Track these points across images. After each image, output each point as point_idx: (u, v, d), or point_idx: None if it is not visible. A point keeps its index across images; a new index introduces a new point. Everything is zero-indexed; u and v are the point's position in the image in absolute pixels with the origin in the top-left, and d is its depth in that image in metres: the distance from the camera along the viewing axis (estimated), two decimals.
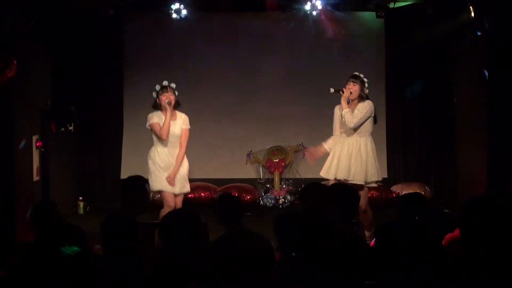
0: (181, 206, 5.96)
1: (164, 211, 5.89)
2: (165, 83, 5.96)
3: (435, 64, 8.30)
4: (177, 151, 5.99)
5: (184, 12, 8.03)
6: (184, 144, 6.05)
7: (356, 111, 5.85)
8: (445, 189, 8.06)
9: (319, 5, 7.94)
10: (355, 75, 6.00)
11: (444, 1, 7.49)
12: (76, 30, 7.95)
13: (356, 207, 4.15)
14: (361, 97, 5.92)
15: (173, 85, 6.01)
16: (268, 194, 8.62)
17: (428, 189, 8.28)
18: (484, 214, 2.50)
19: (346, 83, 5.97)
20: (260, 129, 8.81)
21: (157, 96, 5.97)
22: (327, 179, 6.00)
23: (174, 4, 8.00)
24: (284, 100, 8.77)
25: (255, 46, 8.72)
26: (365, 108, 5.85)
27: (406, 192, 7.89)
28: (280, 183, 8.70)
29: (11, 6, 6.02)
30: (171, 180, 5.90)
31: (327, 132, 8.62)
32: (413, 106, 8.72)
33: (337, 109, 6.08)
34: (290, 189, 8.63)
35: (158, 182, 5.90)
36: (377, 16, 8.30)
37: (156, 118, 5.98)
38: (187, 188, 6.12)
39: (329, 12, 8.18)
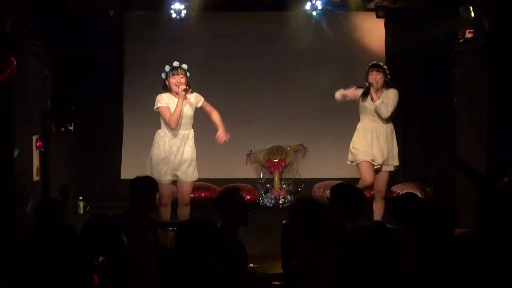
0: (187, 197, 5.71)
1: (161, 210, 5.65)
2: (175, 63, 5.62)
3: (435, 64, 8.29)
4: (186, 132, 5.65)
5: (184, 12, 8.03)
6: (212, 108, 5.78)
7: (389, 100, 5.92)
8: (445, 189, 8.05)
9: (319, 5, 7.94)
10: (375, 63, 6.04)
11: (444, 1, 7.49)
12: (76, 30, 7.95)
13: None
14: (388, 84, 6.02)
15: (184, 66, 5.66)
16: (268, 194, 8.62)
17: (428, 189, 8.28)
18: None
19: (368, 74, 5.97)
20: (260, 129, 8.81)
21: (166, 78, 5.60)
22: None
23: (174, 4, 8.00)
24: (284, 100, 8.77)
25: (255, 46, 8.72)
26: (394, 95, 5.97)
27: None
28: (280, 183, 8.69)
29: (11, 6, 6.01)
30: (221, 139, 5.69)
31: (327, 132, 8.73)
32: (413, 106, 8.71)
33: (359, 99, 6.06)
34: (290, 189, 8.62)
35: (156, 171, 5.56)
36: (377, 16, 8.30)
37: (165, 101, 5.58)
38: (194, 175, 5.75)
39: (329, 12, 8.19)
